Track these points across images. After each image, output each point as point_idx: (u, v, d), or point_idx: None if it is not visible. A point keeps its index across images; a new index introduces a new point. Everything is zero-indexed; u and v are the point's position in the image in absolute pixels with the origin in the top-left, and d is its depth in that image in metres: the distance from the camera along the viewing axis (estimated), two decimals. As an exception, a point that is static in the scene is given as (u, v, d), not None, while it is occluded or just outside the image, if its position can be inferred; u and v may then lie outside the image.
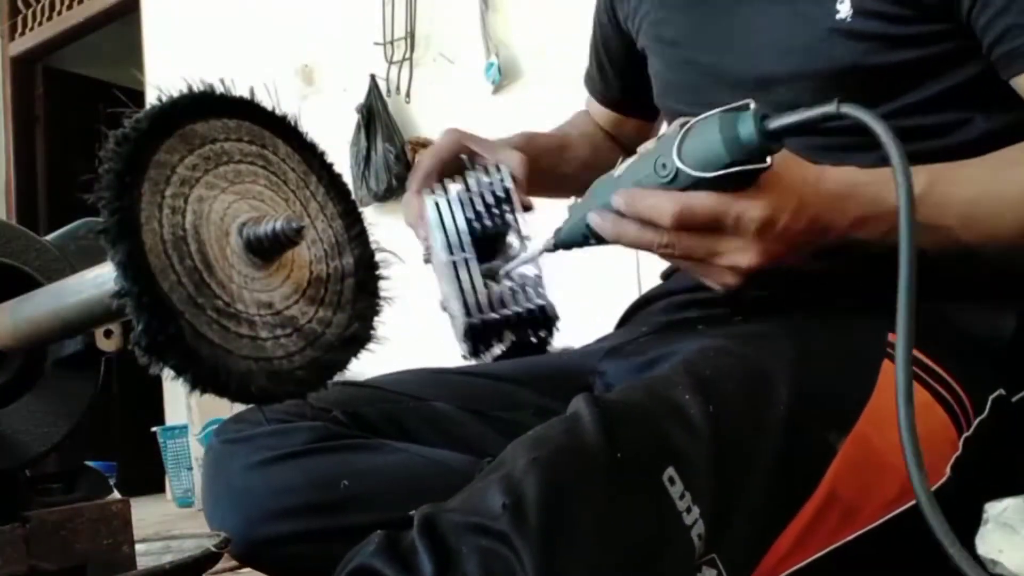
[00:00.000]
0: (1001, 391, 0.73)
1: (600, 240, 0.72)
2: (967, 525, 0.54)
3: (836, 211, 0.69)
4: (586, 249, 0.76)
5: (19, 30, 4.82)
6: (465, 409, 0.89)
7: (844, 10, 0.78)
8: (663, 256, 0.71)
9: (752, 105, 0.61)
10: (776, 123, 0.60)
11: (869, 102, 0.77)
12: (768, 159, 0.61)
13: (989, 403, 0.71)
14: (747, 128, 0.60)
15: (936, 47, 0.78)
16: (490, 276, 0.84)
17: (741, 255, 0.66)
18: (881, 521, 0.64)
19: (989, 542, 0.51)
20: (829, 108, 0.58)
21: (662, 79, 1.00)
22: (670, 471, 0.55)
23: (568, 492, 0.52)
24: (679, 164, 0.62)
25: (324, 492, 0.79)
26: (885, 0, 0.77)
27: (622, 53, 1.09)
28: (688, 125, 0.62)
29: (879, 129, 0.56)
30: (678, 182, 0.63)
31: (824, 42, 0.79)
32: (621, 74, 1.13)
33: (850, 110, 0.57)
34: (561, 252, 0.78)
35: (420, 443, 0.85)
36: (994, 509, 0.51)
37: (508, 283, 0.84)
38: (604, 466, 0.54)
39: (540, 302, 0.84)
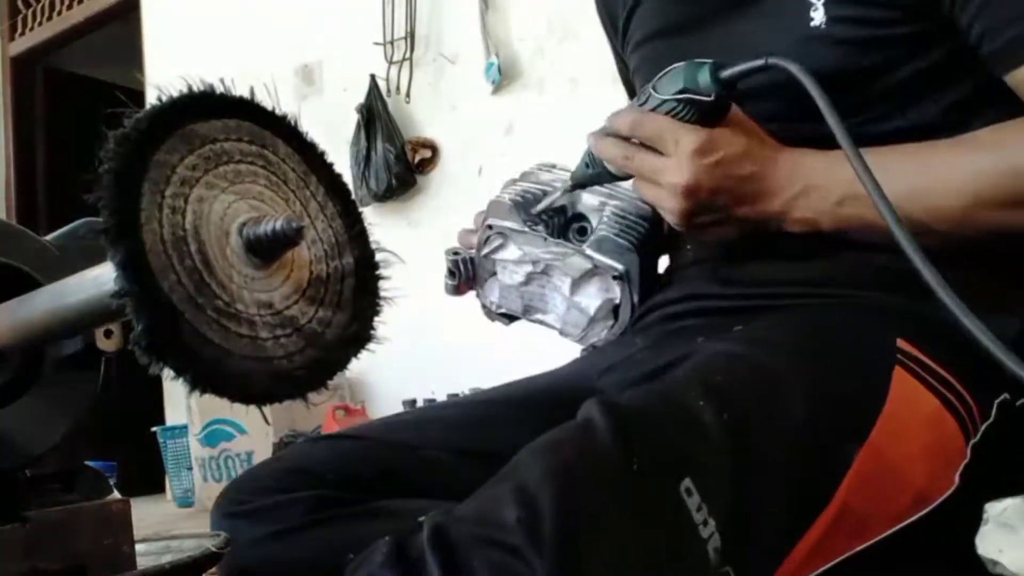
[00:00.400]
0: (1006, 395, 0.72)
1: (599, 169, 0.84)
2: (970, 529, 0.53)
3: (784, 178, 0.77)
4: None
5: (19, 30, 4.82)
6: (463, 453, 0.86)
7: (818, 17, 0.79)
8: (626, 168, 0.81)
9: (711, 61, 0.76)
10: (726, 72, 0.74)
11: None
12: (712, 96, 0.74)
13: (995, 408, 0.70)
14: (704, 72, 0.75)
15: (920, 49, 0.78)
16: (532, 220, 0.96)
17: (676, 173, 0.76)
18: (890, 532, 0.63)
19: (989, 542, 0.51)
20: (760, 62, 0.72)
21: None
22: (687, 482, 0.54)
23: (584, 505, 0.51)
24: (649, 90, 0.78)
25: (333, 565, 0.78)
26: (859, 5, 0.77)
27: None
28: (667, 69, 0.78)
29: (804, 80, 0.68)
30: (647, 104, 0.79)
31: (801, 50, 0.79)
32: None
33: (778, 61, 0.70)
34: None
35: (419, 496, 0.83)
36: (994, 509, 0.51)
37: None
38: (621, 478, 0.53)
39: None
